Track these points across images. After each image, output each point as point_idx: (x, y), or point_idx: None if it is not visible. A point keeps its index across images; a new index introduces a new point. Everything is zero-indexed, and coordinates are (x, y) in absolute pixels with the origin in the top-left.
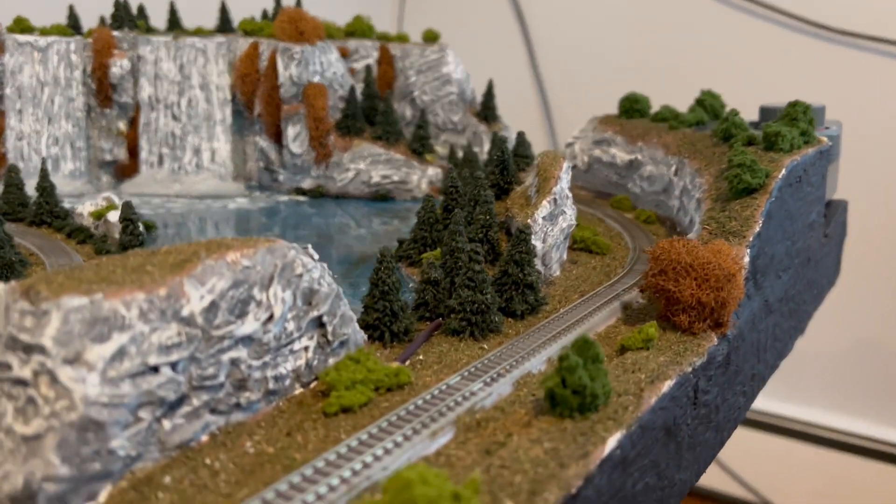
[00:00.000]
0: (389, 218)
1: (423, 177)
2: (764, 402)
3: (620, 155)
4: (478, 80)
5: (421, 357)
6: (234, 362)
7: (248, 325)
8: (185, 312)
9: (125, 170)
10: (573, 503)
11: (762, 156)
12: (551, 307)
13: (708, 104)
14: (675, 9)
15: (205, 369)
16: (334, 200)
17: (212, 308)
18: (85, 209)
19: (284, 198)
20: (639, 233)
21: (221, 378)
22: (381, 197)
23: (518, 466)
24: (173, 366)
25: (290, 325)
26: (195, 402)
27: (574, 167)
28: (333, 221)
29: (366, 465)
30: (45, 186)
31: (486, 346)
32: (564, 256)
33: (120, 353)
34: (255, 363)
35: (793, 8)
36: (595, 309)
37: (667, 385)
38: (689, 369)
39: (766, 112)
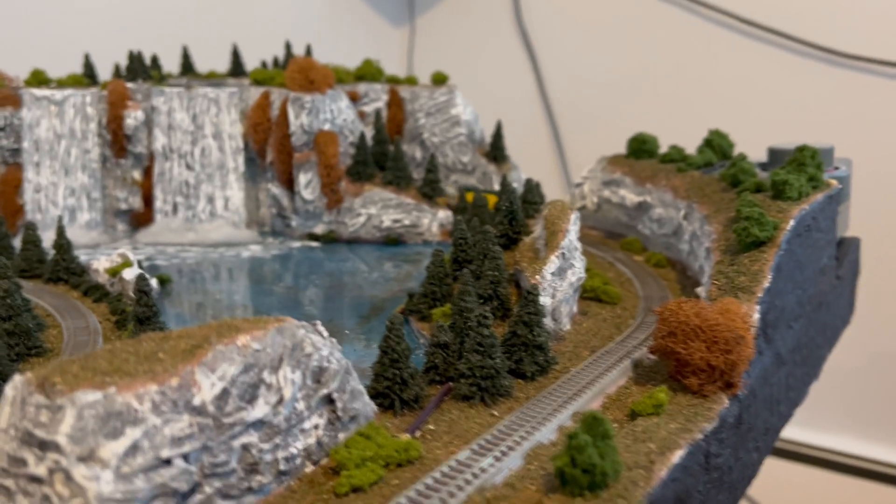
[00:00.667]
0: (401, 262)
1: (434, 220)
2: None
3: (630, 196)
4: (488, 119)
5: (431, 426)
6: (246, 447)
7: (259, 410)
8: (196, 402)
9: (140, 218)
10: None
11: (770, 205)
12: (562, 366)
13: (716, 144)
14: (686, 46)
15: (216, 457)
16: (346, 245)
17: (223, 395)
18: (101, 265)
19: (297, 244)
20: (649, 279)
21: (233, 464)
22: (392, 241)
23: None
24: (185, 457)
25: (300, 405)
26: (207, 489)
27: (583, 207)
28: (346, 266)
29: None
30: (62, 244)
31: (496, 413)
32: (574, 309)
33: (133, 449)
34: (266, 446)
35: (802, 34)
36: (605, 370)
37: (677, 455)
38: (700, 436)
39: (774, 154)
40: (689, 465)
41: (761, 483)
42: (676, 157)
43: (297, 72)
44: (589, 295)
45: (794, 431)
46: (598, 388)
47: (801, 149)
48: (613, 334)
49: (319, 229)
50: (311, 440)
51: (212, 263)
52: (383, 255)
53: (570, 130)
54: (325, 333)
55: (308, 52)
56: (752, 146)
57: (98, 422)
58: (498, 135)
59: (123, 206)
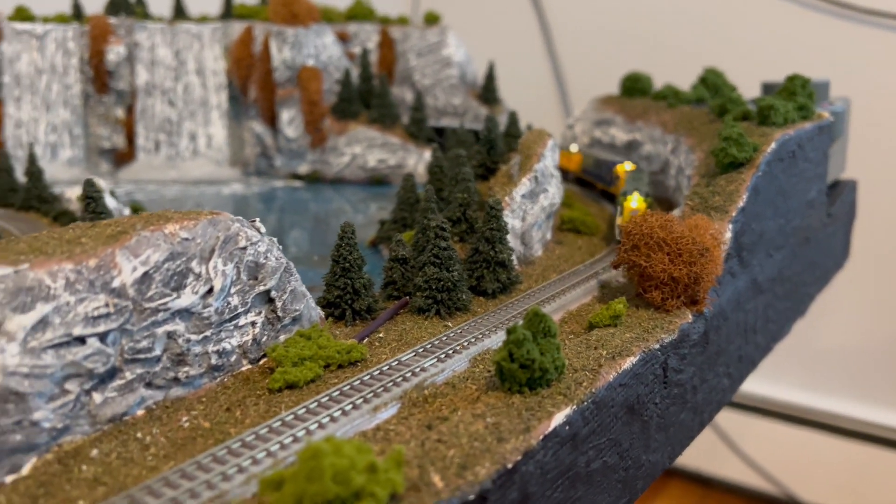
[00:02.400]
0: (385, 202)
1: (420, 160)
2: (787, 393)
3: (619, 135)
4: (488, 63)
5: (381, 335)
6: (171, 336)
7: (185, 299)
8: (115, 283)
9: (123, 157)
10: (509, 478)
11: (754, 131)
12: (525, 286)
13: (711, 82)
14: None
15: (138, 342)
16: (331, 185)
17: (144, 280)
18: (73, 193)
19: (281, 183)
20: None
21: (157, 352)
22: (377, 181)
23: (455, 441)
24: (102, 337)
25: (234, 300)
26: (128, 375)
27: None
28: (330, 207)
29: (296, 440)
30: (34, 171)
31: (450, 325)
32: (549, 236)
33: (43, 323)
34: (195, 338)
35: None
36: (569, 287)
37: (629, 361)
38: (657, 346)
39: (768, 88)
40: (641, 373)
41: (765, 447)
42: (668, 94)
43: (281, 5)
44: (567, 227)
45: (798, 395)
46: (558, 304)
47: (792, 78)
48: (585, 260)
49: (303, 169)
50: (248, 338)
51: (190, 199)
52: (368, 196)
53: (573, 75)
54: (263, 230)
55: None
56: (749, 87)
57: (7, 295)
58: (490, 77)
59: (107, 145)
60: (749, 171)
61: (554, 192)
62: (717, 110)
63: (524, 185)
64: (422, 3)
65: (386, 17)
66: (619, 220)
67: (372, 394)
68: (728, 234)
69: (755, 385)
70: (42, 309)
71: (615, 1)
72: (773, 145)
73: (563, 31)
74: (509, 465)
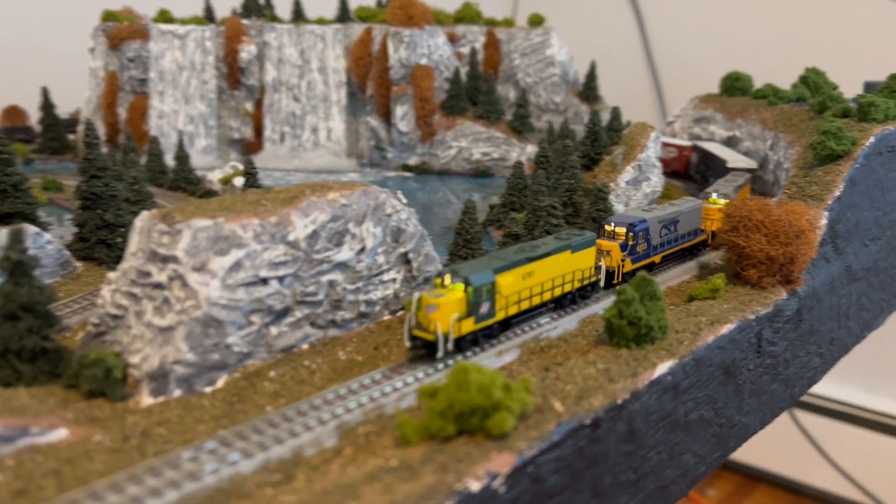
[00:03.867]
0: (488, 193)
1: (523, 154)
2: (883, 403)
3: (719, 132)
4: (590, 62)
5: None
6: (332, 284)
7: (344, 253)
8: (291, 237)
9: (251, 147)
10: (619, 412)
11: (853, 126)
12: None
13: (812, 81)
14: None
15: (306, 287)
16: (437, 176)
17: (313, 236)
18: (215, 176)
19: (392, 174)
20: None
21: (320, 296)
22: (481, 173)
23: (570, 379)
24: (280, 280)
25: (380, 258)
26: (298, 314)
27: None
28: (436, 196)
29: (427, 375)
30: (182, 156)
31: None
32: None
33: (237, 266)
34: (350, 287)
35: None
36: (669, 268)
37: (726, 328)
38: (752, 317)
39: (870, 87)
40: (737, 339)
41: (857, 457)
42: (768, 93)
43: (398, 7)
44: None
45: (893, 406)
46: (659, 279)
47: (894, 76)
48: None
49: (413, 161)
50: (389, 292)
51: None
52: (472, 186)
53: (669, 74)
54: (405, 200)
55: None
56: (850, 87)
57: (209, 242)
58: (592, 75)
59: (236, 136)
60: (847, 164)
61: (656, 181)
62: (817, 107)
63: (628, 172)
64: (521, 6)
65: (492, 20)
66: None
67: (496, 341)
68: (823, 221)
69: (850, 393)
70: (236, 254)
71: (712, 2)
72: (871, 139)
73: (660, 33)
74: (619, 401)
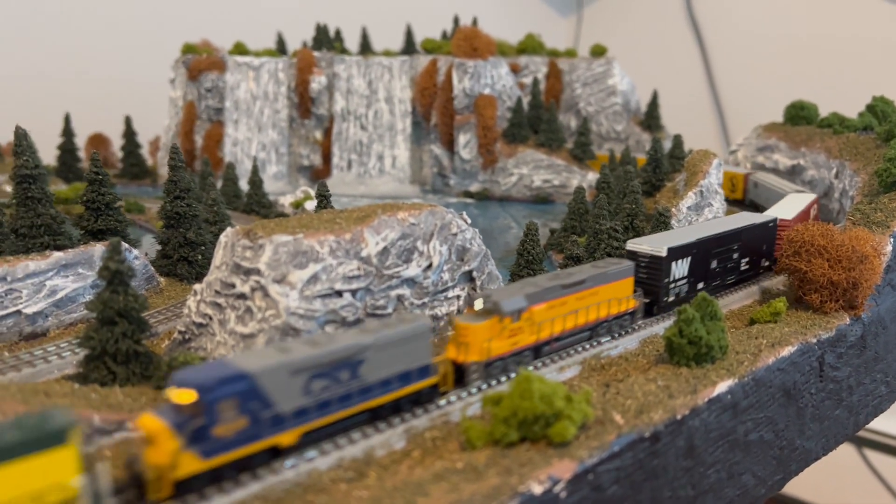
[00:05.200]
0: (548, 219)
1: (584, 181)
2: None
3: (783, 160)
4: (652, 91)
5: None
6: (400, 298)
7: (412, 270)
8: (363, 253)
9: (319, 173)
10: (678, 428)
11: None
12: None
13: (879, 109)
14: (850, 16)
15: (377, 300)
16: (498, 202)
17: (384, 252)
18: (287, 200)
19: (454, 200)
20: None
21: (389, 309)
22: (541, 199)
23: (631, 394)
24: (353, 293)
25: (446, 276)
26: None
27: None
28: (496, 222)
29: (490, 387)
30: (255, 181)
31: None
32: None
33: (313, 279)
34: (417, 302)
35: None
36: (730, 292)
37: (787, 350)
38: (814, 341)
39: None
40: (798, 362)
41: None
42: (833, 122)
43: (463, 39)
44: None
45: None
46: (721, 303)
47: None
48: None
49: (474, 187)
50: (454, 308)
51: None
52: (532, 213)
53: (732, 103)
54: (469, 221)
55: (474, 23)
56: None
57: (289, 256)
58: (654, 104)
59: (305, 162)
60: None
61: (718, 206)
62: (883, 135)
63: (690, 198)
64: (582, 37)
65: (554, 50)
66: None
67: (557, 357)
68: (889, 247)
69: None
70: (313, 268)
71: (774, 32)
72: None
73: (723, 62)
74: (678, 417)
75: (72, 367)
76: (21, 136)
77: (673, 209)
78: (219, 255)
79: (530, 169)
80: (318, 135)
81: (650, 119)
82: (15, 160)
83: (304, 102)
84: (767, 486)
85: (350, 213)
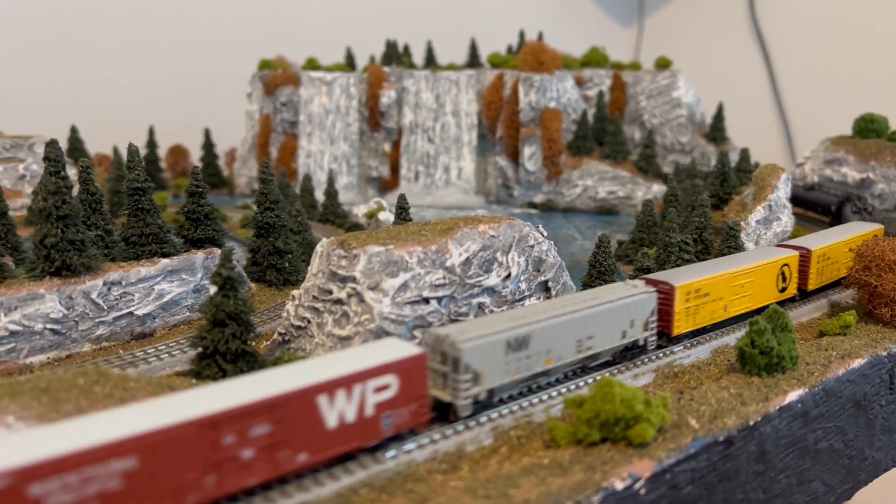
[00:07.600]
0: (613, 230)
1: (648, 192)
2: None
3: (851, 174)
4: (717, 104)
5: None
6: (481, 306)
7: (492, 279)
8: (448, 263)
9: (387, 184)
10: (750, 433)
11: None
12: None
13: None
14: None
15: (460, 307)
16: (562, 214)
17: (467, 263)
18: (360, 210)
19: (518, 210)
20: None
21: (471, 316)
22: (605, 211)
23: (705, 401)
24: (439, 300)
25: (523, 285)
26: None
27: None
28: (560, 233)
29: (578, 387)
30: (331, 192)
31: None
32: None
33: (404, 286)
34: (496, 310)
35: None
36: (798, 304)
37: (857, 362)
38: (884, 353)
39: None
40: (868, 374)
41: None
42: None
43: (529, 54)
44: None
45: None
46: (790, 315)
47: None
48: None
49: (539, 199)
50: None
51: None
52: (596, 224)
53: (798, 116)
54: (545, 233)
55: (540, 38)
56: None
57: (381, 265)
58: (719, 116)
59: (374, 174)
60: None
61: (786, 220)
62: None
63: (758, 212)
64: (643, 49)
65: (619, 63)
66: None
67: (632, 365)
68: None
69: None
70: (403, 276)
71: (842, 43)
72: None
73: (789, 74)
74: (751, 423)
75: (181, 365)
76: (133, 152)
77: (742, 223)
78: (315, 263)
79: (595, 180)
80: (387, 147)
81: (715, 131)
82: (127, 174)
83: (374, 116)
84: (836, 495)
85: (434, 226)
